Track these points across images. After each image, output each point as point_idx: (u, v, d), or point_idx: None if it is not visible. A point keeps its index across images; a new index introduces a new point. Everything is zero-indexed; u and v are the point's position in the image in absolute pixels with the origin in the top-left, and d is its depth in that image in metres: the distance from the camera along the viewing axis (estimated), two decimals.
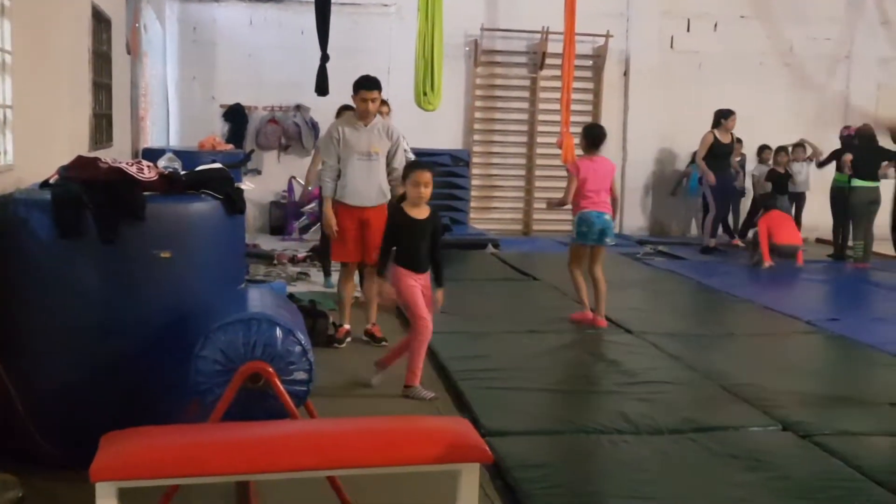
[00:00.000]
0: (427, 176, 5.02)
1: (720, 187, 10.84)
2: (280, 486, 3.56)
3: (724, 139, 10.89)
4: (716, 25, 12.70)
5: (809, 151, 11.70)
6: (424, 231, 5.10)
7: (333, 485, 3.34)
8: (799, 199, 11.68)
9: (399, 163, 6.12)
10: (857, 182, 10.28)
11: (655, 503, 3.72)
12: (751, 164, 12.18)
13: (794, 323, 7.21)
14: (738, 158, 11.65)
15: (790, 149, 11.55)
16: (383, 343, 6.07)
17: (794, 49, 12.88)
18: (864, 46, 12.95)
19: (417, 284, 5.11)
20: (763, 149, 11.93)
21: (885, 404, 5.16)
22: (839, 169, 10.67)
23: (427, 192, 5.02)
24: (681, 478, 4.02)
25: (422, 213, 5.10)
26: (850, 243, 10.65)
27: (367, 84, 5.98)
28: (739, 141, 11.53)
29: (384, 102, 6.78)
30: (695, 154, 11.68)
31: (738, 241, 11.55)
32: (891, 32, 13.06)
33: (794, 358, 6.24)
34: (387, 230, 5.25)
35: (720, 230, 11.40)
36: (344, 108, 6.99)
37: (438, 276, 5.24)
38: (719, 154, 10.74)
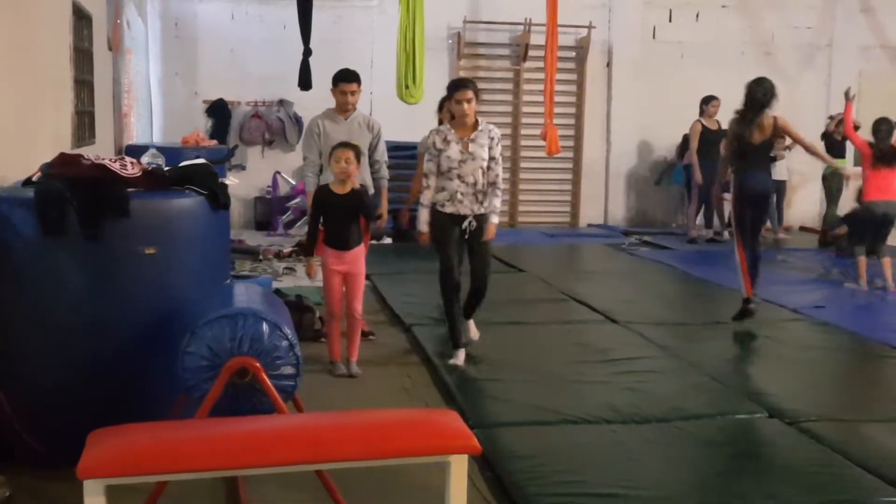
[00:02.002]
0: (347, 153, 5.25)
1: (708, 177, 10.88)
2: (269, 481, 3.57)
3: (711, 126, 10.95)
4: (697, 15, 12.73)
5: (788, 141, 11.74)
6: (342, 207, 5.28)
7: (322, 479, 3.34)
8: (780, 188, 11.74)
9: (381, 155, 6.13)
10: None
11: (643, 492, 3.73)
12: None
13: (779, 311, 7.26)
14: (783, 150, 11.43)
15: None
16: (370, 337, 6.07)
17: (776, 38, 12.93)
18: (844, 34, 13.01)
19: (338, 270, 5.33)
20: None
21: (870, 390, 5.21)
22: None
23: (349, 168, 5.27)
24: (668, 466, 4.05)
25: (344, 188, 5.29)
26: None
27: (345, 77, 5.98)
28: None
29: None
30: (678, 148, 11.73)
31: (724, 234, 11.43)
32: (871, 20, 13.12)
33: (780, 345, 6.28)
34: (311, 209, 5.55)
35: (702, 222, 11.42)
36: (445, 100, 6.06)
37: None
38: (708, 142, 10.79)
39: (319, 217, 5.39)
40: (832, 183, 11.00)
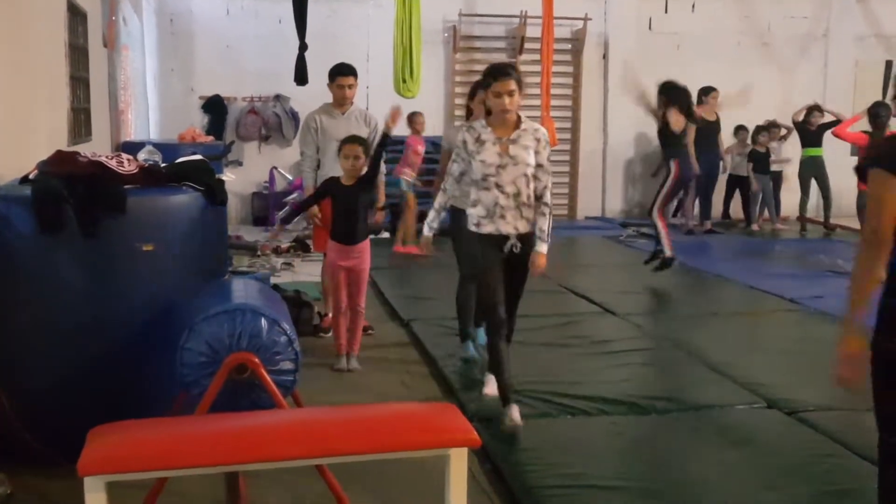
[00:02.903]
0: (356, 149, 5.22)
1: (705, 168, 10.89)
2: (269, 476, 3.57)
3: (710, 117, 10.95)
4: (693, 6, 12.72)
5: (784, 132, 11.76)
6: (356, 197, 5.25)
7: (323, 473, 3.35)
8: (777, 178, 11.76)
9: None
10: None
11: (642, 483, 3.74)
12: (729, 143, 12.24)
13: (777, 301, 7.26)
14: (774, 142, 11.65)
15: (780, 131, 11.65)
16: (369, 331, 6.07)
17: (772, 28, 12.92)
18: (840, 24, 13.01)
19: (343, 266, 5.31)
20: (739, 129, 11.95)
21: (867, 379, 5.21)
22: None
23: (359, 163, 5.23)
24: (667, 457, 4.06)
25: (352, 182, 5.27)
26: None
27: (342, 70, 5.97)
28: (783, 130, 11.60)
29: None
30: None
31: (709, 226, 11.42)
32: (865, 9, 13.12)
33: (778, 335, 6.28)
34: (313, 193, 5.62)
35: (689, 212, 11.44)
36: (477, 86, 5.29)
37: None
38: (705, 133, 10.79)
39: (317, 200, 5.50)
40: (805, 172, 11.17)
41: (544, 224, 4.30)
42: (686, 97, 8.15)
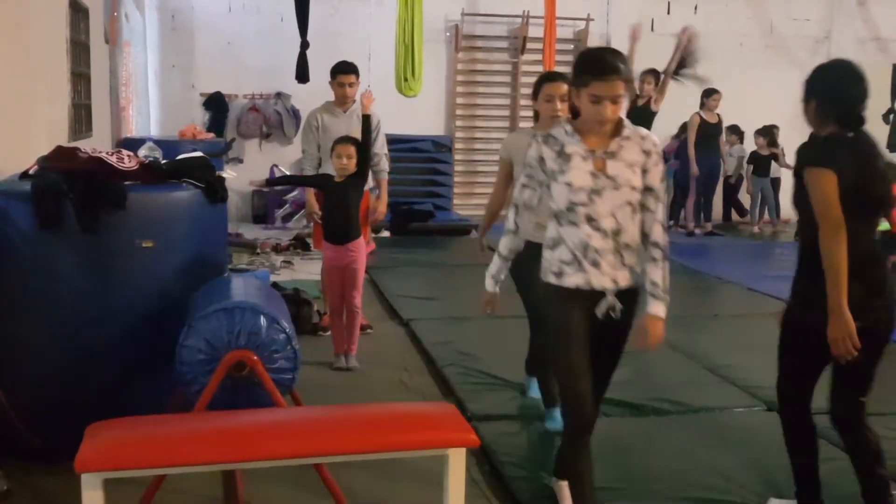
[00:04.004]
0: (348, 149, 5.21)
1: (705, 170, 10.88)
2: (267, 475, 3.56)
3: (711, 119, 10.95)
4: (696, 7, 12.71)
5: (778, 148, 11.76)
6: (347, 193, 5.24)
7: (321, 472, 3.34)
8: (776, 181, 11.76)
9: (380, 147, 6.11)
10: None
11: (641, 485, 3.74)
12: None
13: (777, 303, 7.24)
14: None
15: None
16: (368, 330, 6.07)
17: (775, 30, 12.92)
18: (843, 27, 13.01)
19: (337, 266, 5.31)
20: (734, 129, 11.96)
21: None
22: None
23: (351, 163, 5.21)
24: (666, 459, 4.05)
25: (341, 178, 5.27)
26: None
27: (343, 68, 5.97)
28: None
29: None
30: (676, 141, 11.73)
31: (710, 228, 11.41)
32: (867, 13, 13.12)
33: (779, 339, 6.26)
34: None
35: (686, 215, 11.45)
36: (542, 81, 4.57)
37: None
38: (707, 135, 10.78)
39: (311, 183, 5.61)
40: None
41: (658, 274, 3.07)
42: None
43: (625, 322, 3.11)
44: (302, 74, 9.22)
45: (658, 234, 3.08)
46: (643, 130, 3.11)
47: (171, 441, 2.75)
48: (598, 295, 3.05)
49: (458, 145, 12.30)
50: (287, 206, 11.22)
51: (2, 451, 3.69)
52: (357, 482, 3.57)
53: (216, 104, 11.62)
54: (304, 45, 9.27)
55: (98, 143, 6.68)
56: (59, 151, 3.92)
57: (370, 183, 6.05)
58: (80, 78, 6.81)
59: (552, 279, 3.12)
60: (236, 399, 3.22)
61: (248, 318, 3.24)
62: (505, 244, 3.30)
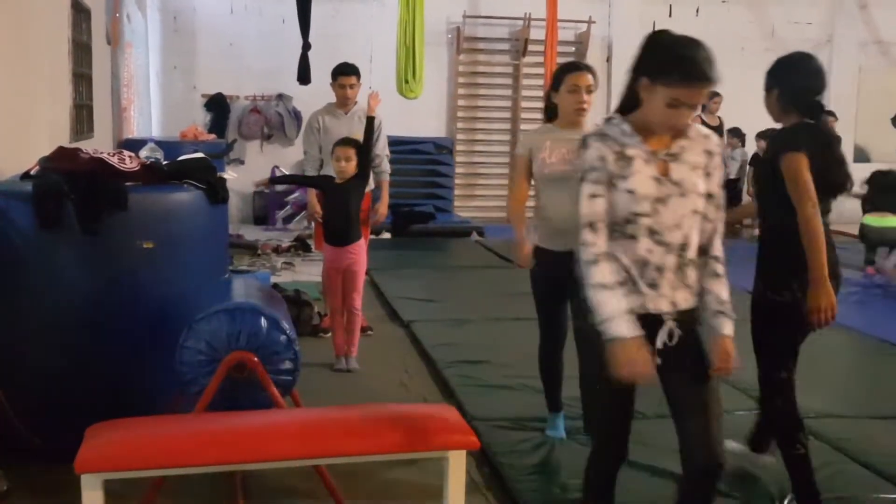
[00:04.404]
0: (347, 151, 5.19)
1: None
2: (267, 476, 3.56)
3: (712, 122, 10.96)
4: (697, 10, 12.72)
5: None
6: (345, 192, 5.23)
7: (320, 474, 3.34)
8: None
9: (381, 149, 6.11)
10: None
11: (641, 487, 3.73)
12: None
13: None
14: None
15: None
16: (368, 332, 6.07)
17: (776, 33, 12.92)
18: (844, 30, 13.02)
19: (338, 268, 5.30)
20: (736, 132, 11.96)
21: (869, 387, 5.21)
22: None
23: (350, 165, 5.18)
24: (667, 461, 4.04)
25: (342, 180, 5.26)
26: None
27: (344, 70, 5.98)
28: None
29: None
30: None
31: None
32: (869, 16, 13.12)
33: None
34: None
35: None
36: (564, 72, 4.28)
37: None
38: None
39: (311, 184, 5.60)
40: None
41: (725, 291, 2.72)
42: None
43: (693, 347, 2.66)
44: (303, 76, 9.23)
45: (719, 247, 2.71)
46: (704, 129, 2.73)
47: (171, 442, 2.75)
48: (657, 321, 2.60)
49: (459, 147, 12.31)
50: (288, 207, 11.23)
51: (2, 451, 3.69)
52: (357, 484, 3.56)
53: (218, 105, 11.63)
54: (306, 46, 9.29)
55: (99, 144, 6.68)
56: (61, 152, 3.92)
57: (371, 184, 6.06)
58: (82, 79, 6.82)
59: None
60: (236, 400, 3.22)
61: (248, 320, 3.24)
62: (608, 271, 2.55)
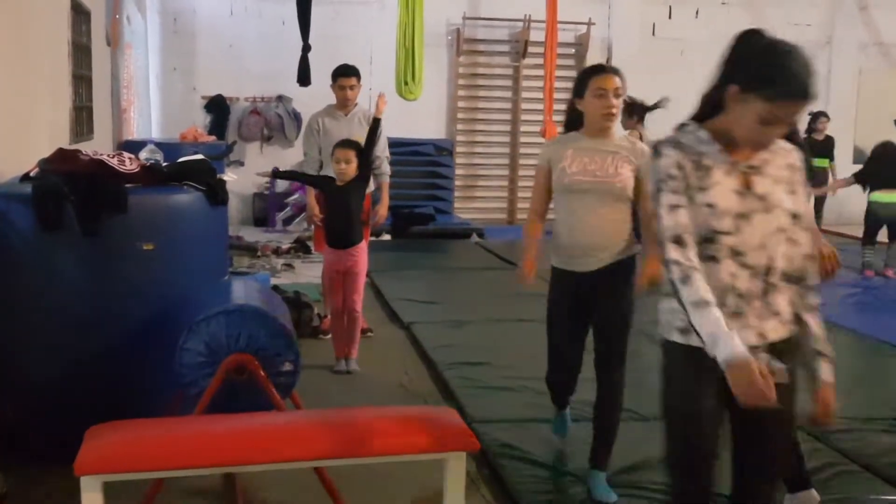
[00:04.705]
0: (347, 153, 5.18)
1: None
2: (266, 478, 3.56)
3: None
4: (697, 12, 12.73)
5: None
6: (346, 195, 5.22)
7: (320, 476, 3.34)
8: None
9: (382, 150, 6.10)
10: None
11: (641, 488, 3.73)
12: None
13: None
14: None
15: None
16: (369, 333, 6.06)
17: (777, 35, 12.92)
18: (844, 32, 13.02)
19: (339, 270, 5.30)
20: None
21: (869, 388, 5.21)
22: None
23: (350, 167, 5.18)
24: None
25: (342, 182, 5.24)
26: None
27: (344, 71, 5.98)
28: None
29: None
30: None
31: None
32: (869, 18, 13.13)
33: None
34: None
35: None
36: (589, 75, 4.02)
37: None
38: None
39: (311, 183, 5.56)
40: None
41: (821, 328, 2.39)
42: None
43: (782, 386, 2.19)
44: (303, 77, 9.22)
45: (812, 275, 2.38)
46: (785, 142, 2.42)
47: (171, 444, 2.75)
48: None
49: (459, 149, 12.31)
50: (288, 209, 11.23)
51: (1, 452, 3.69)
52: (357, 486, 3.56)
53: (217, 107, 11.64)
54: (306, 48, 9.28)
55: (99, 146, 6.68)
56: (60, 154, 3.92)
57: (371, 186, 6.06)
58: (82, 80, 6.82)
59: (677, 337, 2.36)
60: (236, 402, 3.22)
61: (248, 322, 3.24)
62: (699, 288, 2.21)
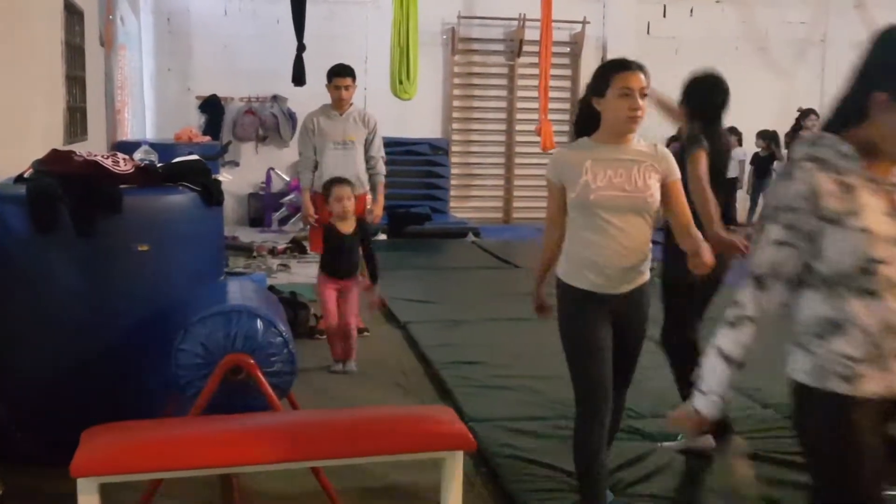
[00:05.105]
0: (346, 190, 5.27)
1: None
2: (263, 478, 3.55)
3: None
4: (692, 10, 12.74)
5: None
6: (350, 244, 5.33)
7: (318, 476, 3.33)
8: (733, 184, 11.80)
9: (377, 150, 6.10)
10: None
11: (637, 486, 3.73)
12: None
13: None
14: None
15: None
16: (365, 333, 6.06)
17: (770, 33, 12.95)
18: (837, 30, 13.03)
19: (334, 288, 5.38)
20: (733, 131, 11.98)
21: None
22: None
23: (350, 205, 5.27)
24: (661, 459, 4.04)
25: (348, 227, 5.32)
26: None
27: (339, 71, 5.96)
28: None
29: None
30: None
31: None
32: (862, 15, 13.14)
33: (773, 341, 6.27)
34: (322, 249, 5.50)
35: None
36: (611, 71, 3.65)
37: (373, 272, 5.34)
38: None
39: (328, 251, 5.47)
40: None
41: None
42: None
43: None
44: (298, 77, 9.21)
45: None
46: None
47: (168, 445, 2.74)
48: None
49: (454, 148, 12.31)
50: (283, 209, 11.22)
51: None
52: (354, 485, 3.56)
53: (212, 107, 11.62)
54: (301, 48, 9.27)
55: (93, 147, 6.66)
56: (55, 155, 3.91)
57: (366, 186, 6.07)
58: (76, 81, 6.80)
59: (836, 385, 2.04)
60: (233, 403, 3.21)
61: (244, 322, 3.23)
62: (736, 340, 2.17)
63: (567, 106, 12.53)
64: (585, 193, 3.06)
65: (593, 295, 3.13)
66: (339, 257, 5.36)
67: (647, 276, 3.24)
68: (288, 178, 11.30)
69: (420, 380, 5.24)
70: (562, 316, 3.23)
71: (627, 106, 3.01)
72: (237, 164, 11.59)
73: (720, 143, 4.17)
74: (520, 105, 12.32)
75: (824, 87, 12.96)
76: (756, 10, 12.86)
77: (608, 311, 3.15)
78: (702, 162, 3.88)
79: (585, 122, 3.22)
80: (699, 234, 3.17)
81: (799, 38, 13.02)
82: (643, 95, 3.04)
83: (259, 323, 3.26)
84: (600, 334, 3.15)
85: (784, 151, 11.65)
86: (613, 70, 3.09)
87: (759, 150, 11.65)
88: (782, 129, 11.63)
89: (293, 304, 6.07)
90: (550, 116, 11.22)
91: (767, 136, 11.56)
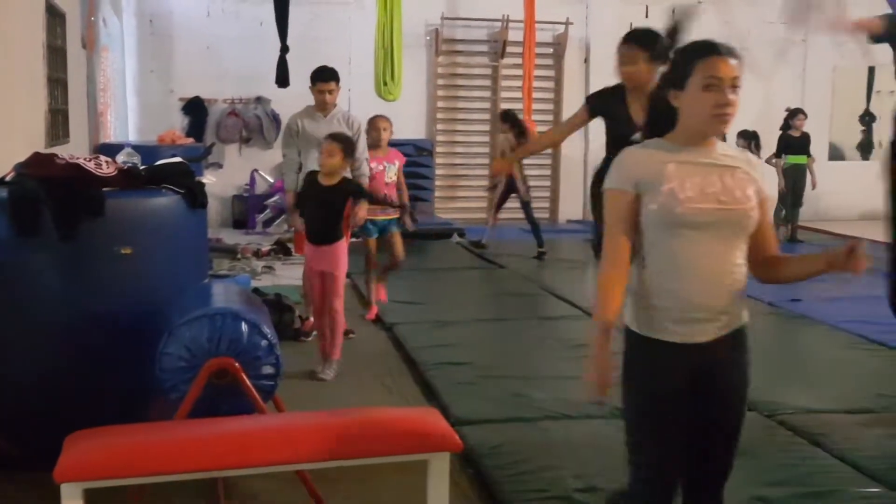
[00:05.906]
0: (333, 146, 5.15)
1: None
2: (249, 482, 3.54)
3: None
4: (674, 11, 12.77)
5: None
6: (328, 198, 5.21)
7: (303, 479, 3.33)
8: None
9: (361, 152, 6.09)
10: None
11: (624, 487, 3.74)
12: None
13: (756, 304, 7.29)
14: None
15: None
16: (350, 335, 6.05)
17: (752, 33, 13.01)
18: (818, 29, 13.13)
19: (317, 270, 5.29)
20: None
21: (845, 382, 5.25)
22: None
23: (332, 160, 5.17)
24: None
25: (330, 180, 5.22)
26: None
27: (322, 76, 5.95)
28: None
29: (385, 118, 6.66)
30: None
31: None
32: (843, 15, 13.24)
33: (757, 339, 6.29)
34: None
35: None
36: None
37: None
38: None
39: (302, 206, 5.41)
40: (785, 182, 11.03)
41: None
42: None
43: None
44: (282, 79, 9.20)
45: None
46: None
47: (153, 449, 2.73)
48: None
49: (439, 149, 12.32)
50: (267, 210, 11.20)
51: None
52: (340, 488, 3.55)
53: (195, 109, 11.58)
54: (284, 49, 9.26)
55: (75, 149, 6.63)
56: (36, 158, 3.89)
57: None
58: (57, 83, 6.76)
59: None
60: (218, 406, 3.20)
61: (229, 325, 3.22)
62: None
63: (551, 107, 12.56)
64: (670, 206, 2.37)
65: (672, 346, 2.44)
66: (315, 212, 5.27)
67: (745, 317, 2.54)
68: (272, 180, 11.28)
69: (406, 381, 5.24)
70: (630, 377, 2.59)
71: (715, 100, 2.35)
72: (221, 166, 11.55)
73: None
74: (504, 106, 12.31)
75: (805, 87, 13.05)
76: (737, 10, 12.92)
77: (694, 368, 2.44)
78: None
79: (658, 121, 2.52)
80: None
81: (779, 38, 13.10)
82: (735, 87, 2.38)
83: (244, 326, 3.24)
84: (680, 398, 2.46)
85: (765, 151, 11.71)
86: (696, 55, 2.40)
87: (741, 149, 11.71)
88: (763, 129, 11.67)
89: (278, 306, 6.06)
90: (534, 117, 11.25)
91: (748, 136, 11.60)
